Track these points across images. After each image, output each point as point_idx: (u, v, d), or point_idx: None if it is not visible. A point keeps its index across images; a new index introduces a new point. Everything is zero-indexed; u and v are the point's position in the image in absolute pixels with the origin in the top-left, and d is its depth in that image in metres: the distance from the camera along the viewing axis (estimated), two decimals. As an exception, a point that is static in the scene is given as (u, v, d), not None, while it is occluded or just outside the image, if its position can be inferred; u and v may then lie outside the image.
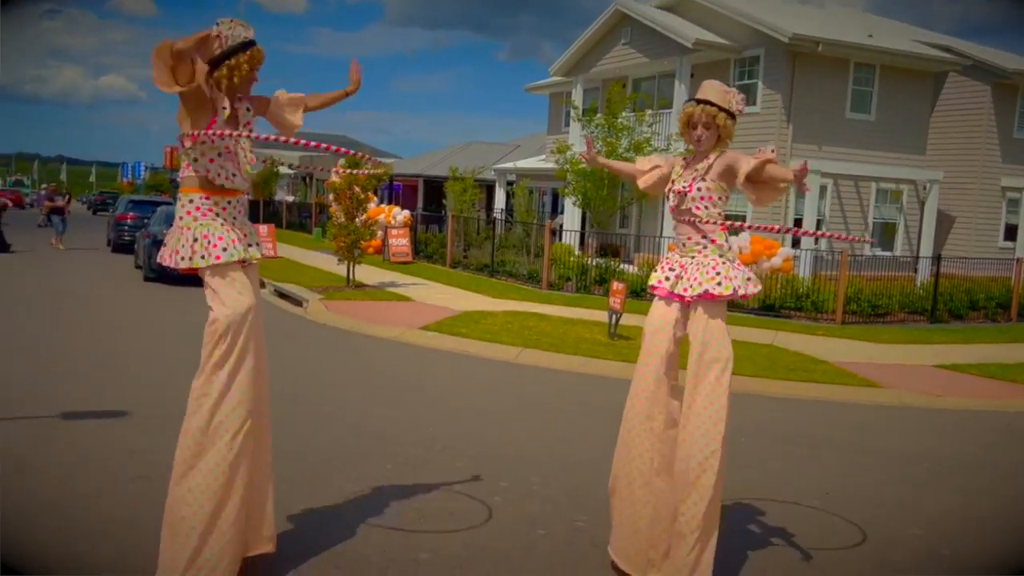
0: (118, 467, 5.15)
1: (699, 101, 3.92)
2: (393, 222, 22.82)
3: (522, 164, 27.97)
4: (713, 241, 3.90)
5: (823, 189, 19.03)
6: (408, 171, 37.70)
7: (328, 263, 18.65)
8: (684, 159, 4.11)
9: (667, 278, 3.96)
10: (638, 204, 20.73)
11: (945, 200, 21.32)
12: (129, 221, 22.46)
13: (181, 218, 3.71)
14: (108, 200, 34.85)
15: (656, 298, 4.05)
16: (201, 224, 3.69)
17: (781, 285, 15.46)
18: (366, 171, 3.52)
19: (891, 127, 20.01)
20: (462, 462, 5.69)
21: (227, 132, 3.56)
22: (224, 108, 3.71)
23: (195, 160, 3.65)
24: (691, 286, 3.85)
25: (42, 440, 5.65)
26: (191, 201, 3.70)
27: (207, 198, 3.70)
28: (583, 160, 4.53)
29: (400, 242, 21.79)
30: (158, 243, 15.70)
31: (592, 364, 9.72)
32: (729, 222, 4.02)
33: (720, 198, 3.91)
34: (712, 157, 3.95)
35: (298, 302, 14.25)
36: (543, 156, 27.52)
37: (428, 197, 36.88)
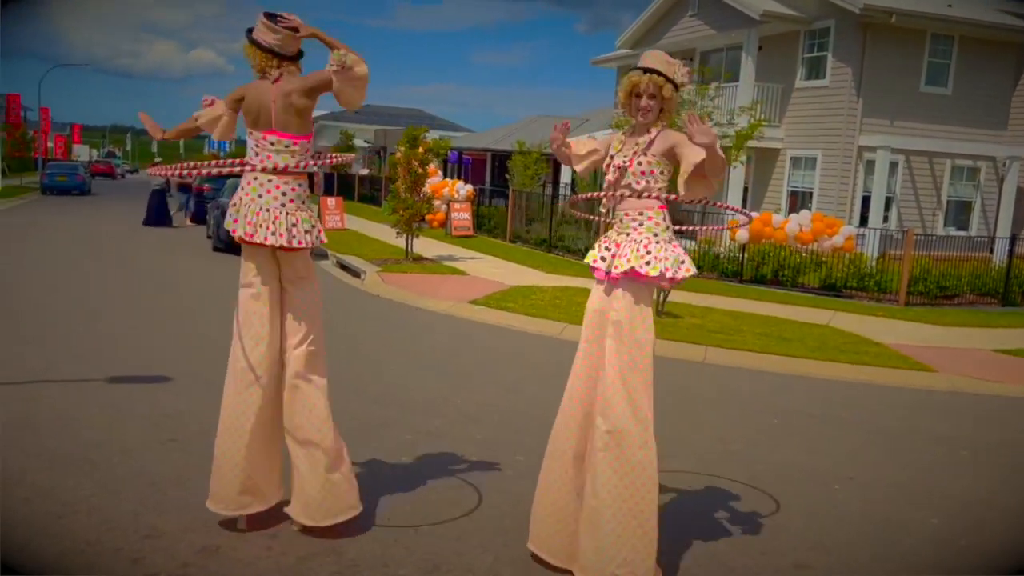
0: (152, 428, 5.44)
1: (645, 70, 3.77)
2: (456, 196, 23.03)
3: (586, 138, 27.75)
4: (650, 219, 3.79)
5: (894, 166, 18.38)
6: (477, 145, 37.82)
7: (392, 235, 18.95)
8: (624, 133, 3.97)
9: (603, 257, 3.84)
10: (701, 180, 20.38)
11: (1027, 178, 20.34)
12: (206, 192, 23.26)
13: (292, 201, 4.00)
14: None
15: (595, 280, 3.93)
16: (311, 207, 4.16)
17: (844, 264, 15.07)
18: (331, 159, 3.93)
19: (970, 101, 19.14)
20: (483, 434, 5.81)
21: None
22: None
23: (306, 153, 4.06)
24: (620, 263, 3.74)
25: (86, 401, 5.99)
26: (300, 186, 4.05)
27: None
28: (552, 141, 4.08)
29: (462, 216, 21.98)
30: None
31: (634, 341, 9.69)
32: (671, 196, 3.91)
33: (662, 172, 3.80)
34: (654, 132, 3.84)
35: (357, 274, 14.59)
36: (609, 130, 27.26)
37: (497, 171, 36.98)
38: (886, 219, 18.39)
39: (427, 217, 16.43)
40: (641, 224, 3.80)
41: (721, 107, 18.48)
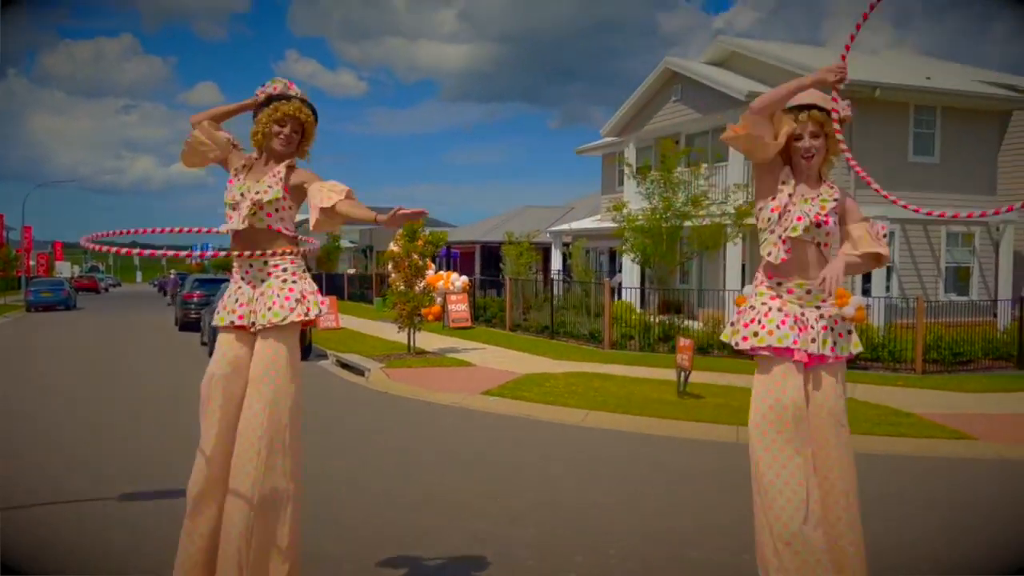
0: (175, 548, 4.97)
1: (802, 107, 3.38)
2: (452, 288, 22.82)
3: (577, 225, 27.91)
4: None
5: (890, 236, 18.42)
6: (464, 238, 37.94)
7: (389, 332, 18.65)
8: (783, 167, 3.53)
9: (800, 337, 3.30)
10: (699, 258, 20.37)
11: (1021, 240, 20.46)
12: (196, 299, 22.87)
13: None
14: (179, 280, 36.36)
15: (777, 366, 3.35)
16: (227, 286, 3.90)
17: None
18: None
19: (957, 168, 19.38)
20: (533, 535, 5.37)
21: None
22: (235, 163, 3.86)
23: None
24: (838, 344, 3.34)
25: (104, 522, 5.52)
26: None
27: (236, 261, 3.80)
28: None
29: (459, 307, 21.74)
30: (222, 319, 15.91)
31: (663, 425, 9.33)
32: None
33: None
34: (836, 187, 3.46)
35: (360, 371, 14.18)
36: (598, 216, 27.40)
37: (485, 262, 37.00)
38: (888, 288, 18.31)
39: (422, 311, 16.13)
40: (829, 295, 3.38)
41: (717, 184, 18.58)
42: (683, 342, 10.68)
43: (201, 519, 3.64)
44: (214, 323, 3.80)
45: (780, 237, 3.36)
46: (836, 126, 3.38)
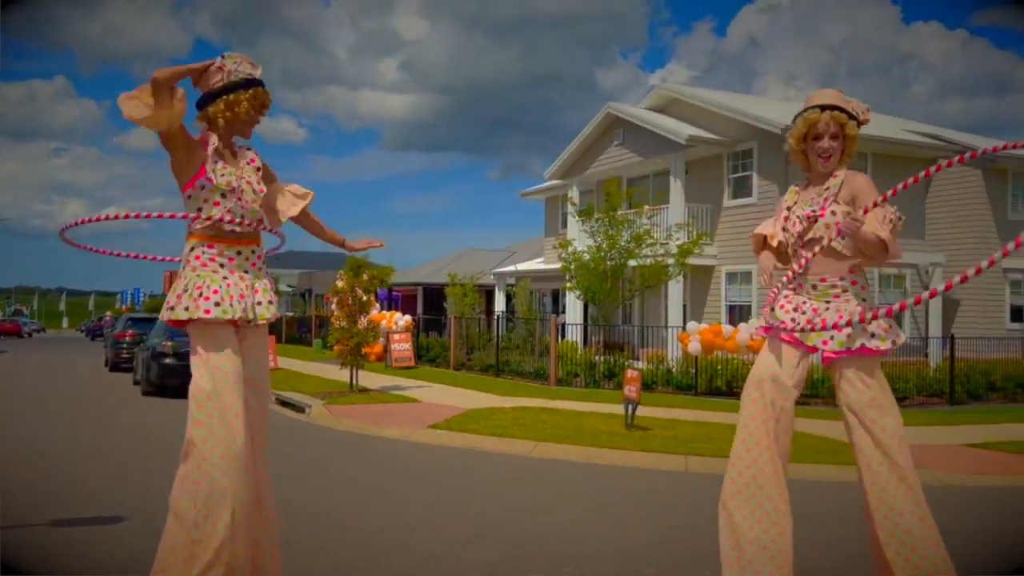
0: (121, 570, 4.73)
1: (824, 107, 3.41)
2: (395, 327, 22.60)
3: (521, 267, 28.05)
4: (854, 283, 3.41)
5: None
6: (407, 280, 37.72)
7: (330, 371, 18.34)
8: (796, 188, 3.62)
9: (795, 320, 3.36)
10: (641, 296, 20.60)
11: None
12: (128, 339, 22.12)
13: (182, 268, 3.43)
14: (115, 322, 35.32)
15: (772, 343, 3.45)
16: (198, 274, 3.37)
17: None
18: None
19: (888, 213, 20.11)
20: (489, 555, 5.26)
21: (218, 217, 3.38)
22: (213, 145, 3.45)
23: (199, 208, 3.41)
24: (835, 338, 3.30)
25: (44, 545, 5.23)
26: (192, 249, 3.43)
27: (211, 247, 3.41)
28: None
29: (402, 347, 21.52)
30: (157, 355, 15.39)
31: (612, 455, 9.31)
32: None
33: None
34: (840, 175, 3.46)
35: (301, 409, 13.85)
36: (541, 259, 27.60)
37: (428, 304, 36.83)
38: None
39: (364, 350, 15.89)
40: (845, 290, 3.38)
41: (659, 224, 18.90)
42: (630, 374, 10.72)
43: (243, 528, 3.30)
44: (214, 315, 3.31)
45: (792, 249, 3.49)
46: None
